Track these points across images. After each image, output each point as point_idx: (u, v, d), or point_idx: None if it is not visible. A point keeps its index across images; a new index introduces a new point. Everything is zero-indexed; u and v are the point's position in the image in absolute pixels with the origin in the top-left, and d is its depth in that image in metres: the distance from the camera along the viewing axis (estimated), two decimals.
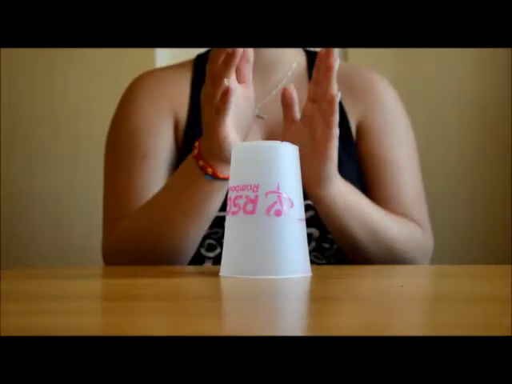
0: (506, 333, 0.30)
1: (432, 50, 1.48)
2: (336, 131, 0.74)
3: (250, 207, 0.57)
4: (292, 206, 0.57)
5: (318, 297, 0.49)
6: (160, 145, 0.92)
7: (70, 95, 1.59)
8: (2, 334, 0.29)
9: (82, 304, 0.43)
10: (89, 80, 1.58)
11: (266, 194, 0.56)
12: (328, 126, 0.73)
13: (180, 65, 1.02)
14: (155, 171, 0.91)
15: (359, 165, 0.94)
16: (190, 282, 0.59)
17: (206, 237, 0.89)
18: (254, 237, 0.57)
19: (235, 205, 0.58)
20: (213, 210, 0.78)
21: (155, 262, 0.80)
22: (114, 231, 0.88)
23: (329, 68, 0.73)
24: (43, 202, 1.58)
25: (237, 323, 0.35)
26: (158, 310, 0.40)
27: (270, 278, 0.56)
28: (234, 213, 0.58)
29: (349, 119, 0.94)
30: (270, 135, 0.93)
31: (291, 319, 0.36)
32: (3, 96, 1.59)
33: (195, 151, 0.75)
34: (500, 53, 1.51)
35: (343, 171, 0.90)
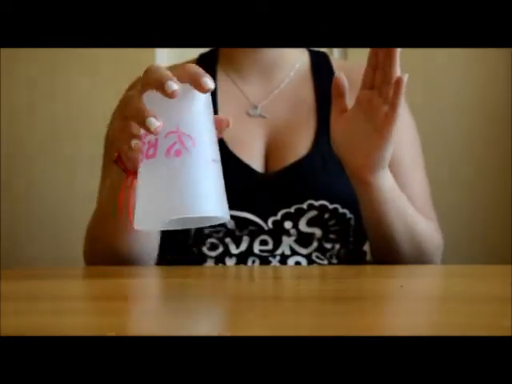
0: (506, 333, 0.30)
1: (432, 50, 1.48)
2: (399, 112, 0.73)
3: (151, 151, 0.55)
4: (195, 145, 0.55)
5: (317, 297, 0.49)
6: None
7: (70, 95, 1.59)
8: (2, 334, 0.29)
9: (81, 304, 0.43)
10: (89, 80, 1.58)
11: (166, 135, 0.55)
12: (393, 107, 0.72)
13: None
14: None
15: None
16: (188, 282, 0.59)
17: (208, 235, 0.88)
18: (158, 179, 0.56)
19: (142, 152, 0.56)
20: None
21: (109, 263, 0.79)
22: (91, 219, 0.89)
23: (391, 52, 0.72)
24: (43, 202, 1.58)
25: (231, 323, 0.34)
26: (159, 309, 0.40)
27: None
28: (140, 161, 0.57)
29: None
30: (272, 136, 0.93)
31: (289, 319, 0.36)
32: (3, 96, 1.59)
33: (116, 154, 0.69)
34: (500, 53, 1.51)
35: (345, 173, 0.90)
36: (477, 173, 1.51)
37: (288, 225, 0.88)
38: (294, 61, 0.98)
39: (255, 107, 0.95)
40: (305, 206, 0.87)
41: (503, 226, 1.49)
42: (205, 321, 0.35)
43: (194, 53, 1.03)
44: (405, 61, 1.01)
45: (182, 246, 0.89)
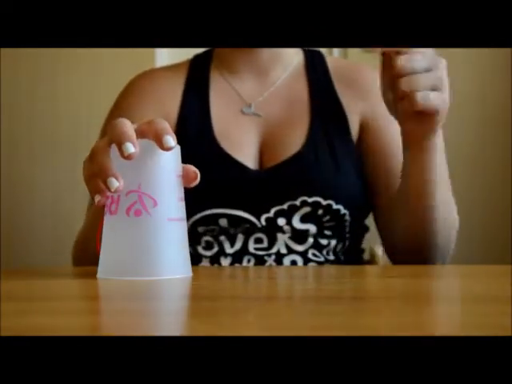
0: (506, 333, 0.30)
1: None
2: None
3: (113, 207, 0.56)
4: (156, 205, 0.56)
5: (317, 297, 0.49)
6: None
7: (70, 95, 1.59)
8: (2, 334, 0.29)
9: (81, 304, 0.43)
10: (89, 80, 1.58)
11: (127, 193, 0.55)
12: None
13: (177, 65, 1.02)
14: None
15: (365, 164, 0.93)
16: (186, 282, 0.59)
17: (202, 234, 0.88)
18: (116, 238, 0.57)
19: (106, 205, 0.57)
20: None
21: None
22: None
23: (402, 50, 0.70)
24: (43, 202, 1.58)
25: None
26: (159, 309, 0.39)
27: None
28: (104, 213, 0.58)
29: (347, 115, 0.94)
30: (266, 133, 0.93)
31: (290, 319, 0.36)
32: (3, 96, 1.59)
33: None
34: (500, 53, 1.51)
35: (342, 167, 0.89)
36: (476, 173, 1.51)
37: (281, 221, 0.87)
38: (289, 60, 0.98)
39: (249, 106, 0.95)
40: (298, 202, 0.87)
41: (503, 226, 1.49)
42: (202, 321, 0.35)
43: (194, 53, 1.03)
44: None
45: None
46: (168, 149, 0.55)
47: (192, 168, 0.60)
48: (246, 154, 0.91)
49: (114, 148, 0.56)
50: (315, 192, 0.87)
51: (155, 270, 0.56)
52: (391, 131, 0.91)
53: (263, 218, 0.88)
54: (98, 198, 0.57)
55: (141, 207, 0.55)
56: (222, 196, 0.88)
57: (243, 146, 0.92)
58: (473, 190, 1.51)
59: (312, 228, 0.88)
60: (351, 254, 0.94)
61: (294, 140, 0.91)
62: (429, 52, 0.71)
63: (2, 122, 1.59)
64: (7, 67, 1.59)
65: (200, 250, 0.89)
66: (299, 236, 0.88)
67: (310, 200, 0.87)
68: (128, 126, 0.56)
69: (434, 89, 0.71)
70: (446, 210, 0.83)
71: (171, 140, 0.55)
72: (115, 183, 0.54)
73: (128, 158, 0.54)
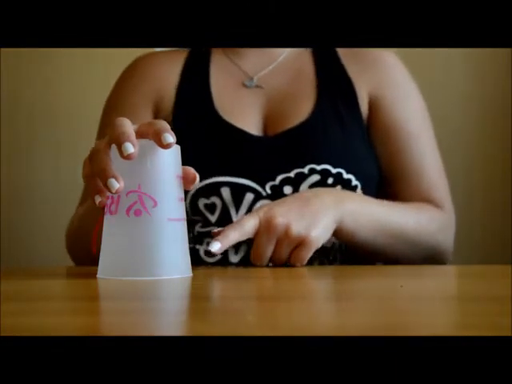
0: (506, 333, 0.30)
1: (432, 49, 1.48)
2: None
3: (113, 208, 0.56)
4: (156, 205, 0.56)
5: (316, 297, 0.49)
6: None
7: (70, 96, 1.59)
8: (2, 334, 0.29)
9: (81, 304, 0.43)
10: (89, 80, 1.58)
11: (127, 193, 0.55)
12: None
13: (178, 49, 1.01)
14: None
15: (375, 142, 0.92)
16: (186, 282, 0.59)
17: (204, 234, 0.88)
18: (117, 238, 0.57)
19: (106, 205, 0.57)
20: None
21: (85, 259, 0.78)
22: (74, 213, 0.92)
23: None
24: (43, 202, 1.58)
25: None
26: (159, 310, 0.39)
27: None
28: (104, 213, 0.58)
29: (356, 90, 0.92)
30: (270, 105, 0.91)
31: (289, 319, 0.36)
32: (3, 96, 1.59)
33: None
34: (500, 53, 1.51)
35: (352, 138, 0.88)
36: (476, 172, 1.51)
37: (288, 190, 0.85)
38: None
39: (251, 79, 0.94)
40: (306, 170, 0.85)
41: (503, 226, 1.49)
42: (202, 321, 0.35)
43: None
44: (405, 61, 1.01)
45: None
46: (167, 146, 0.55)
47: (191, 169, 0.60)
48: (249, 123, 0.89)
49: (114, 148, 0.56)
50: (324, 160, 0.85)
51: (155, 270, 0.56)
52: (395, 112, 0.91)
53: (268, 186, 0.85)
54: (98, 199, 0.57)
55: (141, 207, 0.55)
56: (224, 163, 0.86)
57: (245, 116, 0.90)
58: (473, 190, 1.50)
59: None
60: None
61: (300, 110, 0.90)
62: (261, 224, 0.71)
63: (1, 122, 1.59)
64: (7, 67, 1.59)
65: (201, 254, 0.87)
66: None
67: (318, 168, 0.85)
68: (128, 126, 0.56)
69: (295, 246, 0.72)
70: (411, 235, 0.83)
71: (170, 137, 0.55)
72: (116, 184, 0.54)
73: (127, 158, 0.54)
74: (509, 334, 0.30)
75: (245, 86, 0.94)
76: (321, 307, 0.42)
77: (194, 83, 0.94)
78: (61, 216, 1.60)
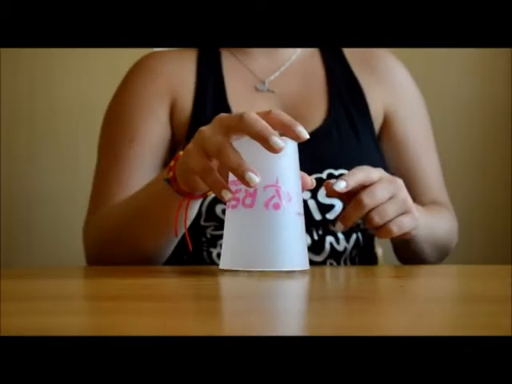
0: (506, 333, 0.30)
1: (432, 49, 1.48)
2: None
3: (248, 201, 0.57)
4: (290, 200, 0.57)
5: (316, 296, 0.49)
6: (150, 129, 0.89)
7: (70, 96, 1.59)
8: (2, 334, 0.29)
9: (81, 304, 0.43)
10: (89, 80, 1.58)
11: (265, 187, 0.56)
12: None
13: (184, 49, 1.00)
14: (142, 156, 0.88)
15: (385, 151, 0.96)
16: (188, 282, 0.59)
17: (217, 237, 0.87)
18: (252, 230, 0.57)
19: (235, 198, 0.57)
20: (182, 226, 0.71)
21: (119, 260, 0.77)
22: (94, 217, 0.86)
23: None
24: (43, 202, 1.58)
25: (235, 323, 0.35)
26: (159, 310, 0.40)
27: (269, 272, 0.57)
28: (233, 206, 0.58)
29: (366, 97, 0.94)
30: (284, 108, 0.90)
31: (290, 319, 0.36)
32: (3, 96, 1.59)
33: (170, 173, 0.66)
34: (500, 53, 1.51)
35: (365, 144, 0.90)
36: (477, 173, 1.51)
37: (306, 195, 0.85)
38: None
39: (263, 83, 0.94)
40: (324, 175, 0.86)
41: (503, 226, 1.49)
42: (202, 321, 0.35)
43: None
44: (405, 61, 1.01)
45: (194, 247, 0.85)
46: (302, 138, 0.56)
47: (305, 175, 0.61)
48: None
49: (239, 143, 0.57)
50: (341, 165, 0.86)
51: (284, 261, 0.57)
52: (409, 126, 0.95)
53: None
54: (228, 195, 0.57)
55: (279, 201, 0.56)
56: None
57: None
58: (473, 190, 1.50)
59: (338, 204, 0.86)
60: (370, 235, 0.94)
61: (314, 115, 0.91)
62: (385, 177, 0.71)
63: (1, 122, 1.59)
64: (7, 67, 1.59)
65: (214, 256, 0.87)
66: (324, 210, 0.86)
67: (336, 173, 0.86)
68: (261, 120, 0.56)
69: (403, 212, 0.72)
70: (442, 242, 0.88)
71: (305, 131, 0.57)
72: (256, 178, 0.54)
73: (278, 151, 0.54)
74: (509, 334, 0.30)
75: (257, 89, 0.93)
76: (321, 307, 0.42)
77: (210, 86, 0.93)
78: (61, 216, 1.61)
